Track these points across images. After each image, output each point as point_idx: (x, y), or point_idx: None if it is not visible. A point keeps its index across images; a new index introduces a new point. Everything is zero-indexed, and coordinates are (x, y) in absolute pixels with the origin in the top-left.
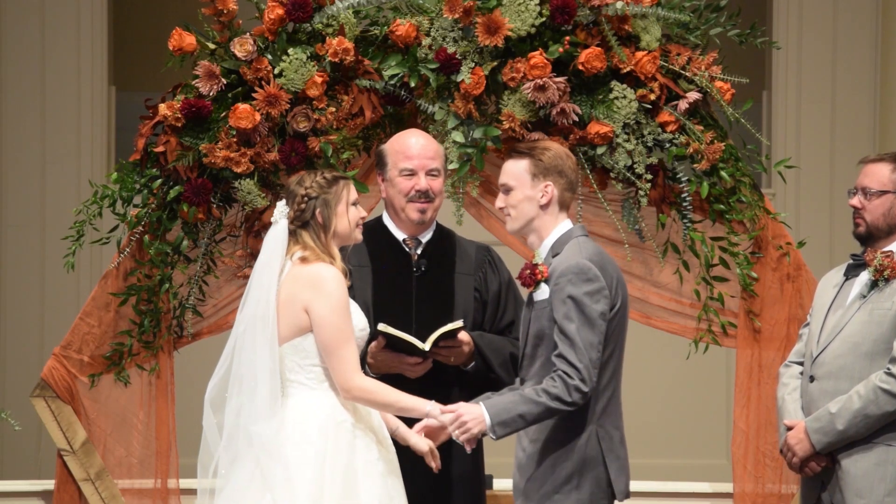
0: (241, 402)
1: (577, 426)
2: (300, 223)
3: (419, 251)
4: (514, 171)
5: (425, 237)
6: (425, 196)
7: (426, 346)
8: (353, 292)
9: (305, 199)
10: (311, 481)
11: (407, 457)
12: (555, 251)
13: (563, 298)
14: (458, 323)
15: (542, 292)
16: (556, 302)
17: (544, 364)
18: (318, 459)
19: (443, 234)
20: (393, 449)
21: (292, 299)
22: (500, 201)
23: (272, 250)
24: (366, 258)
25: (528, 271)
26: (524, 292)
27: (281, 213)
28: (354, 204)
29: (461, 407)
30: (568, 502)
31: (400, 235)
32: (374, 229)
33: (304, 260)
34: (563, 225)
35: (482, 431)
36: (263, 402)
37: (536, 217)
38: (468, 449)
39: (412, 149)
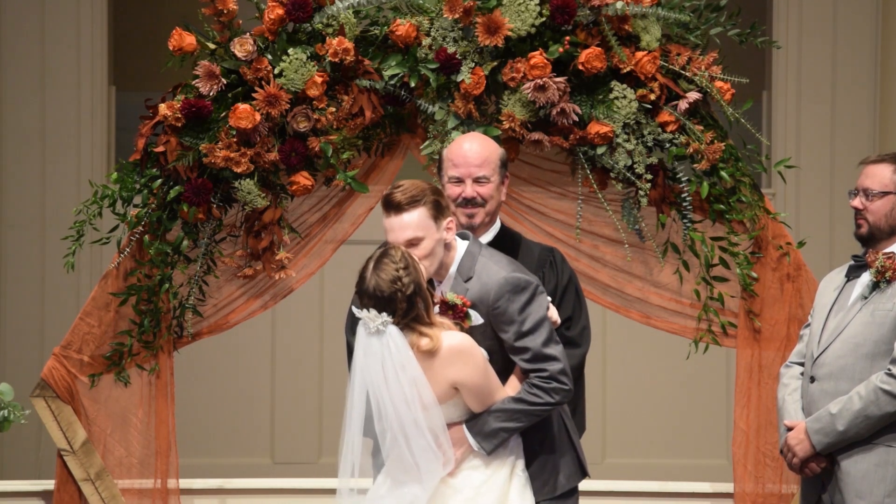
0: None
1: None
2: (410, 318)
3: None
4: (418, 221)
5: (485, 238)
6: (472, 203)
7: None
8: None
9: (406, 298)
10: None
11: None
12: (465, 275)
13: (508, 319)
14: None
15: (475, 318)
16: (501, 324)
17: (498, 374)
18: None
19: (506, 235)
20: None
21: (435, 381)
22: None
23: (401, 361)
24: None
25: (451, 311)
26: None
27: (383, 322)
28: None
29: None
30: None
31: None
32: None
33: (429, 352)
34: (459, 246)
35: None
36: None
37: (446, 254)
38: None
39: (458, 157)
